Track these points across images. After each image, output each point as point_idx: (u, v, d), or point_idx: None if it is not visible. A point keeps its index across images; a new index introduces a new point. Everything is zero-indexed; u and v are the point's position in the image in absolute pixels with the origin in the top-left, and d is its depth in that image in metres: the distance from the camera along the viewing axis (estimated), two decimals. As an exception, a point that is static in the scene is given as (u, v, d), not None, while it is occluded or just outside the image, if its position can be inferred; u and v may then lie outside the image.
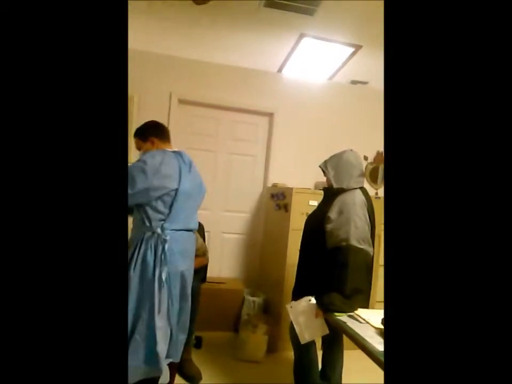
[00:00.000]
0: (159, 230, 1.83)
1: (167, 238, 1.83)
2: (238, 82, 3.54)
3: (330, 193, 1.93)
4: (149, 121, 2.13)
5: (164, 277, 1.80)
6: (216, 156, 3.62)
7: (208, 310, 2.88)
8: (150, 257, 1.81)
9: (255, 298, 3.11)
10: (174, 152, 1.99)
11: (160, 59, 3.39)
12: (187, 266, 1.98)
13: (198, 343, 2.86)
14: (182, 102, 3.46)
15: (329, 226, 1.80)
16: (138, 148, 2.07)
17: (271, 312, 3.10)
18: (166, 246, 1.82)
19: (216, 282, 3.25)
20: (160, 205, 1.85)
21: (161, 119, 3.30)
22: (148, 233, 1.84)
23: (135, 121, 3.31)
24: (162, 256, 1.81)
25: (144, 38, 3.12)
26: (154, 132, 2.05)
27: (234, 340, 2.99)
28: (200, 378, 2.43)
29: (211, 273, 3.08)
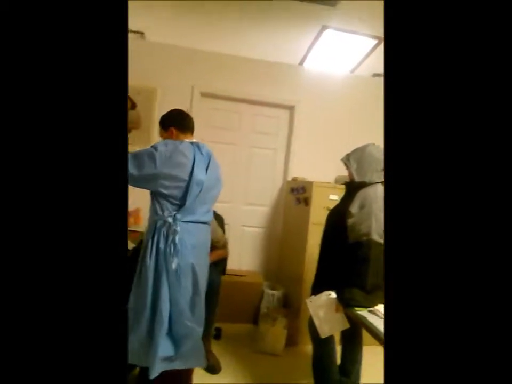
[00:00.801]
0: (170, 220, 1.82)
1: (178, 229, 1.81)
2: (260, 75, 3.53)
3: (352, 187, 1.91)
4: (173, 110, 2.09)
5: (173, 268, 1.79)
6: (237, 149, 3.63)
7: (228, 302, 2.91)
8: (162, 246, 1.80)
9: (274, 292, 3.12)
10: (191, 142, 1.94)
11: (182, 52, 3.41)
12: (199, 259, 1.94)
13: (217, 335, 2.90)
14: (204, 95, 3.48)
15: (350, 221, 1.78)
16: (161, 136, 2.05)
17: (290, 306, 3.11)
18: (177, 237, 1.80)
19: (236, 275, 3.28)
20: (172, 195, 1.83)
21: (183, 112, 3.36)
22: (160, 222, 1.83)
23: (158, 114, 3.35)
24: (172, 247, 1.80)
25: (167, 31, 3.15)
26: (174, 122, 2.01)
27: (253, 332, 3.01)
28: (220, 369, 2.46)
29: (231, 265, 3.10)
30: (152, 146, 1.82)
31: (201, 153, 1.94)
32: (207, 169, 1.93)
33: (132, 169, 1.75)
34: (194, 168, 1.84)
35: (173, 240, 1.80)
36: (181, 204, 1.84)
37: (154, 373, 1.76)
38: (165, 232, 1.81)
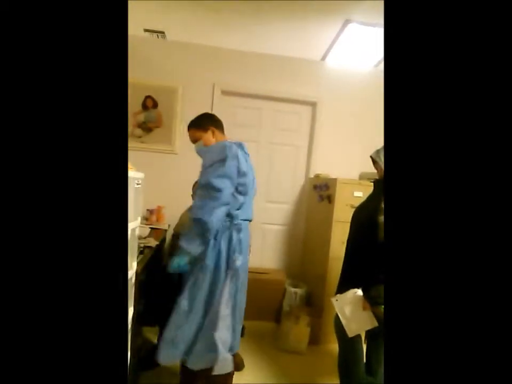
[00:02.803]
0: (236, 220, 1.85)
1: (242, 227, 1.86)
2: (281, 71, 3.51)
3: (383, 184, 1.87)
4: (204, 113, 2.13)
5: (237, 265, 1.83)
6: (258, 146, 3.61)
7: (250, 300, 2.89)
8: (224, 246, 1.82)
9: (297, 290, 3.10)
10: (236, 143, 1.93)
11: (203, 51, 3.42)
12: (247, 256, 2.00)
13: (241, 332, 2.89)
14: (224, 93, 3.48)
15: (382, 218, 1.74)
16: (195, 140, 2.03)
17: (313, 304, 3.08)
18: (241, 235, 1.85)
19: (258, 273, 3.26)
20: (238, 195, 1.85)
21: (205, 110, 3.36)
22: (226, 223, 1.84)
23: (180, 112, 3.37)
24: (237, 245, 1.84)
25: (187, 30, 3.16)
26: (213, 122, 2.05)
27: (276, 330, 3.00)
28: (243, 366, 2.45)
29: (252, 263, 3.09)
30: (220, 165, 1.75)
31: (245, 153, 1.97)
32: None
33: (230, 188, 1.76)
34: (248, 169, 1.90)
35: (238, 239, 1.84)
36: (242, 202, 1.89)
37: (196, 367, 1.82)
38: (229, 232, 1.84)
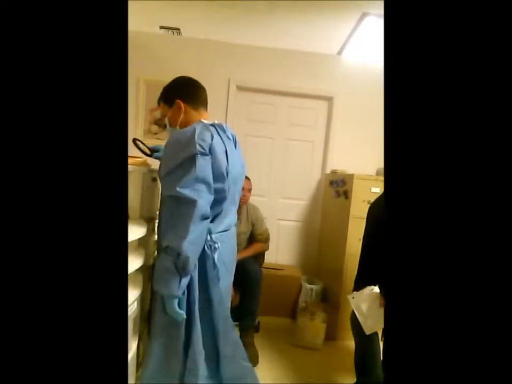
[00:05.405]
0: (210, 236, 1.37)
1: (217, 245, 1.37)
2: (297, 66, 3.48)
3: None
4: (177, 77, 1.55)
5: (216, 297, 1.38)
6: (273, 142, 3.60)
7: (265, 296, 2.90)
8: (195, 273, 1.32)
9: (313, 286, 3.08)
10: (213, 125, 1.41)
11: (218, 46, 3.42)
12: (232, 274, 1.59)
13: (256, 327, 2.89)
14: (240, 88, 3.47)
15: None
16: (164, 114, 1.53)
17: (329, 301, 3.06)
18: (216, 256, 1.36)
19: (274, 269, 3.26)
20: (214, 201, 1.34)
21: (220, 106, 3.38)
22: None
23: (195, 108, 3.38)
24: (212, 270, 1.36)
25: (203, 26, 3.16)
26: (180, 92, 1.48)
27: (291, 326, 2.99)
28: (257, 362, 2.45)
29: (267, 259, 3.09)
30: (188, 160, 1.25)
31: (228, 137, 1.48)
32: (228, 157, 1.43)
33: (207, 196, 1.28)
34: (229, 159, 1.39)
35: (213, 261, 1.36)
36: (220, 211, 1.42)
37: None
38: (201, 252, 1.32)
